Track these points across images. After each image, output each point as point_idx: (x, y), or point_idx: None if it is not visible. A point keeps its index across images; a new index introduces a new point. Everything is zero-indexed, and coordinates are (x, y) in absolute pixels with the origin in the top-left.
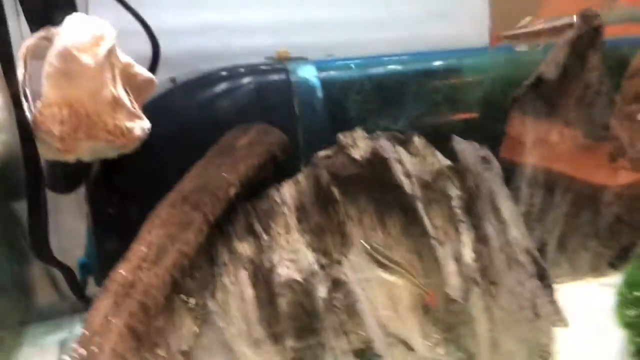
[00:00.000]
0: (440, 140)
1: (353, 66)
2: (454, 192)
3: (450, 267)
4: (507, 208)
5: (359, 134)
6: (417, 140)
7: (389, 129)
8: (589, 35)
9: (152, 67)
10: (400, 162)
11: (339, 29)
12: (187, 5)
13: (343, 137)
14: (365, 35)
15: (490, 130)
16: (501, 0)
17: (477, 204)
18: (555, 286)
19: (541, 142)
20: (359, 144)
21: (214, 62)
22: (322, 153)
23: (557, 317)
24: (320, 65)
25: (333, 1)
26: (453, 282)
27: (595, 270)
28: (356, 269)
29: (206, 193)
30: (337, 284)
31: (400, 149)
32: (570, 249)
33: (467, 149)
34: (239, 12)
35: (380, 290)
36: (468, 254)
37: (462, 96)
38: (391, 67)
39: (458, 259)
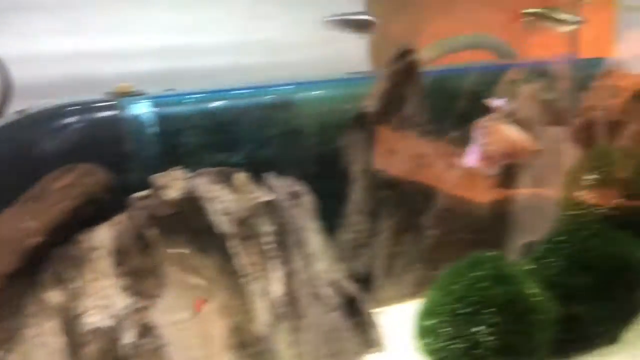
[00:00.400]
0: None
1: (190, 100)
2: (267, 228)
3: (261, 303)
4: (315, 242)
5: (175, 174)
6: (238, 177)
7: (225, 164)
8: (405, 69)
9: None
10: (217, 200)
11: (217, 56)
12: (59, 31)
13: (158, 178)
14: (249, 59)
15: (327, 163)
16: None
17: (287, 240)
18: (379, 310)
19: (365, 173)
20: (173, 185)
21: (78, 91)
22: (139, 194)
23: (371, 343)
24: (158, 101)
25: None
26: (262, 318)
27: (421, 292)
28: (170, 311)
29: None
30: (146, 328)
31: (217, 188)
32: (396, 273)
33: (279, 185)
34: (105, 38)
35: (194, 331)
36: (278, 290)
37: (299, 129)
38: (229, 101)
39: (268, 295)
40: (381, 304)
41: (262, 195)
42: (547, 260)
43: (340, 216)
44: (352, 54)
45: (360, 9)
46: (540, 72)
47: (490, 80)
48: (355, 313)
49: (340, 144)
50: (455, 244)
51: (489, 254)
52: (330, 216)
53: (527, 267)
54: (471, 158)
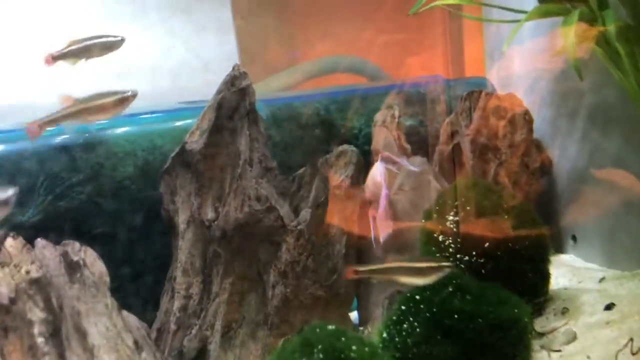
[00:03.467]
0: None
1: None
2: (38, 314)
3: None
4: (100, 329)
5: None
6: (11, 244)
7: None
8: (235, 97)
9: None
10: None
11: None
12: None
13: None
14: None
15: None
16: (248, 38)
17: (63, 329)
18: None
19: (192, 222)
20: None
21: None
22: None
23: None
24: None
25: None
26: None
27: None
28: None
29: None
30: None
31: None
32: (238, 342)
33: (50, 255)
34: None
35: None
36: None
37: (109, 173)
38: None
39: None
40: None
41: (29, 270)
42: (402, 326)
43: (163, 280)
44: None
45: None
46: (409, 94)
47: (345, 105)
48: None
49: (160, 190)
50: (306, 303)
51: (325, 327)
52: (149, 280)
53: (377, 338)
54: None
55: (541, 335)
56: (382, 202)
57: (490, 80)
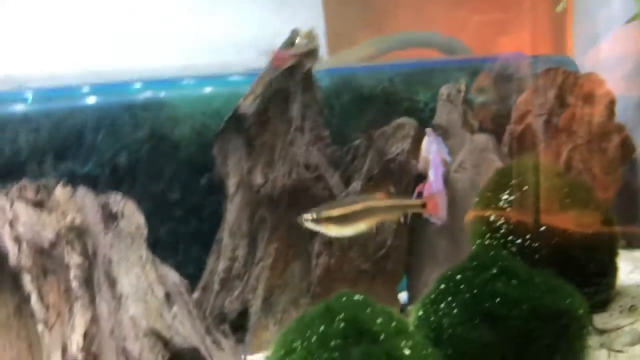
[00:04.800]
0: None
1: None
2: (75, 259)
3: (56, 359)
4: (131, 279)
5: None
6: (60, 192)
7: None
8: (292, 63)
9: None
10: (11, 223)
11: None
12: None
13: None
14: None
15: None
16: (336, 20)
17: (95, 275)
18: (258, 356)
19: (242, 185)
20: None
21: None
22: None
23: None
24: None
25: None
26: None
27: None
28: None
29: None
30: None
31: (20, 206)
32: (279, 308)
33: (89, 204)
34: None
35: None
36: (77, 341)
37: (166, 134)
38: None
39: (65, 347)
40: (261, 348)
41: (73, 217)
42: (438, 306)
43: (211, 241)
44: None
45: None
46: (487, 71)
47: (411, 78)
48: None
49: (213, 152)
50: (350, 276)
51: (352, 296)
52: (200, 241)
53: (413, 315)
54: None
55: (602, 332)
56: (434, 179)
57: (577, 62)
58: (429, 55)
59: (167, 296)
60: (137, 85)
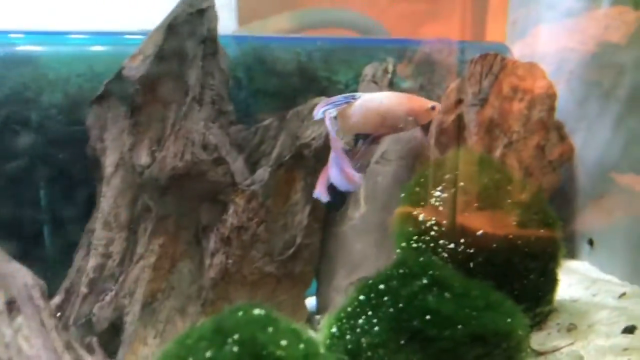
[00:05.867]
0: None
1: None
2: None
3: None
4: None
5: None
6: None
7: None
8: (191, 20)
9: None
10: None
11: None
12: None
13: None
14: None
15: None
16: None
17: None
18: None
19: (122, 165)
20: None
21: None
22: None
23: None
24: None
25: None
26: None
27: None
28: None
29: None
30: None
31: None
32: (162, 318)
33: None
34: None
35: None
36: None
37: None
38: None
39: None
40: None
41: None
42: (356, 322)
43: (80, 231)
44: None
45: None
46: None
47: (331, 55)
48: None
49: (87, 122)
50: (251, 279)
51: (251, 310)
52: (64, 232)
53: (325, 332)
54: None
55: (538, 354)
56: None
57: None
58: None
59: (10, 304)
60: (17, 36)
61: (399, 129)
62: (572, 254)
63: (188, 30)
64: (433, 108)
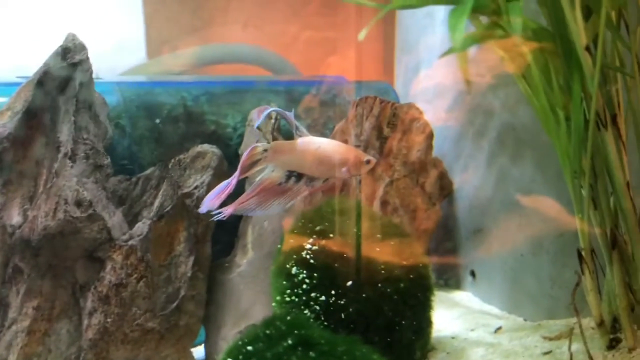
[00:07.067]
0: None
1: None
2: None
3: None
4: None
5: None
6: None
7: None
8: (63, 73)
9: None
10: None
11: None
12: None
13: None
14: None
15: None
16: (158, 26)
17: None
18: None
19: None
20: None
21: None
22: None
23: None
24: None
25: None
26: None
27: None
28: None
29: None
30: None
31: None
32: None
33: None
34: None
35: None
36: None
37: None
38: None
39: None
40: None
41: None
42: None
43: None
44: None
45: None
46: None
47: (219, 98)
48: None
49: None
50: (133, 337)
51: None
52: None
53: None
54: None
55: None
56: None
57: (397, 88)
58: (253, 72)
59: None
60: None
61: (331, 176)
62: (457, 285)
63: (59, 84)
64: (368, 162)
